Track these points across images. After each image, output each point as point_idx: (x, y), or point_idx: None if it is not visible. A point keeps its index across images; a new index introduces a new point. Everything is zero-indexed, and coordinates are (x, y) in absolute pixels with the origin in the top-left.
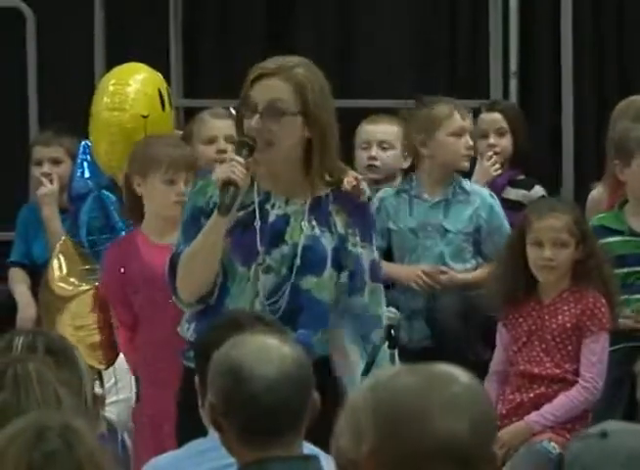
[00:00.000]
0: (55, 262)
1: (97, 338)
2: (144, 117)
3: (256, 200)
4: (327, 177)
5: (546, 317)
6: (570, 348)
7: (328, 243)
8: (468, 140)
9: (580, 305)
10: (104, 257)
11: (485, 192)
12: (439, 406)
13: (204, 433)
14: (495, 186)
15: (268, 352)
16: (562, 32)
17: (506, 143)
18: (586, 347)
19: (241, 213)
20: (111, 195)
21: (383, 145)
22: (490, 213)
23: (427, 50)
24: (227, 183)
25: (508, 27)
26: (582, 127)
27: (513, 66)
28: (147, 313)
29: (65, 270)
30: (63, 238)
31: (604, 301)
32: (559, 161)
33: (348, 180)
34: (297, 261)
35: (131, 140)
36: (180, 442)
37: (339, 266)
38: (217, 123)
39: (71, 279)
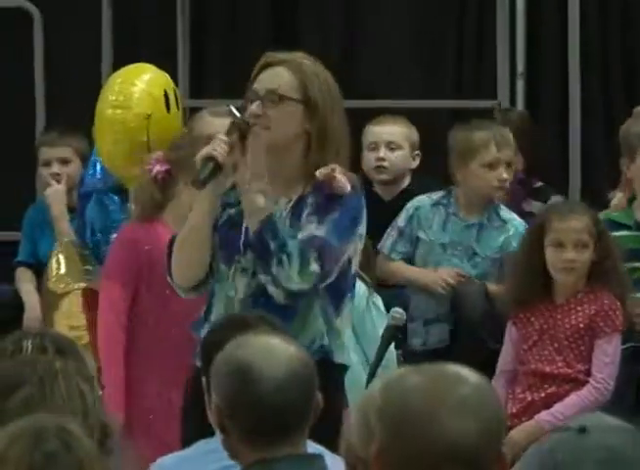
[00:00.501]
0: (54, 261)
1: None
2: (147, 116)
3: None
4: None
5: (558, 317)
6: (582, 348)
7: None
8: (501, 172)
9: (595, 306)
10: (120, 235)
11: (520, 222)
12: (447, 407)
13: (210, 433)
14: (515, 197)
15: (276, 352)
16: (569, 33)
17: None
18: (599, 347)
19: (232, 211)
20: (114, 196)
21: (390, 146)
22: None
23: (433, 51)
24: (208, 159)
25: (515, 28)
26: (590, 128)
27: (520, 66)
28: (157, 310)
29: (63, 269)
30: (65, 239)
31: (618, 303)
32: (566, 161)
33: (322, 171)
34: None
35: (134, 139)
36: (187, 441)
37: None
38: (216, 122)
39: (68, 278)
